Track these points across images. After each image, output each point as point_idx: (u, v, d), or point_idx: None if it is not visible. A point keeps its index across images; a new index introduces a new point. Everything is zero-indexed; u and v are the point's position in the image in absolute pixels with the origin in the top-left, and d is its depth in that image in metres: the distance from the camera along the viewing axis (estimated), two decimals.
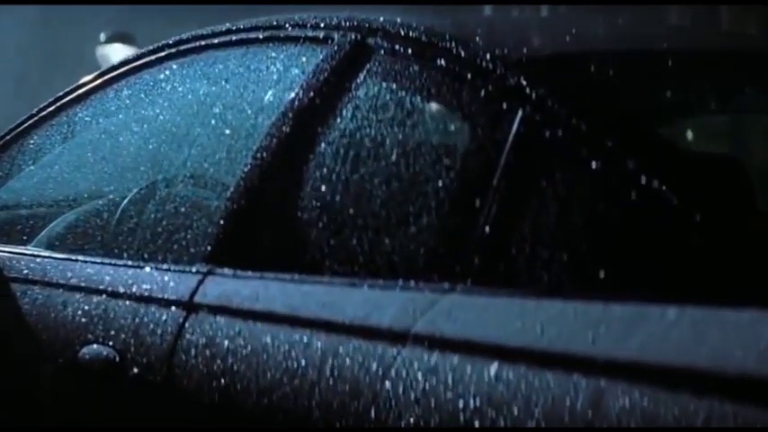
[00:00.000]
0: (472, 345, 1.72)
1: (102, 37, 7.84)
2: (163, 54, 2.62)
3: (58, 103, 2.76)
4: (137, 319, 2.24)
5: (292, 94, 2.24)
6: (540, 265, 1.79)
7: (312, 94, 2.22)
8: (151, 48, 2.65)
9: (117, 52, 7.55)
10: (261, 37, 2.44)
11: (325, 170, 2.12)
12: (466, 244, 1.86)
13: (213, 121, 2.41)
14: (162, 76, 2.60)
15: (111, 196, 2.68)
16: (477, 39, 2.06)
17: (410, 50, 2.12)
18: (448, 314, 1.78)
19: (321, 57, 2.26)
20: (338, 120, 2.16)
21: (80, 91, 2.73)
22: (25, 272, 2.54)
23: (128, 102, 2.65)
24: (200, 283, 2.18)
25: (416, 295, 1.84)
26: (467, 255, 1.85)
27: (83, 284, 2.40)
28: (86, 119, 2.72)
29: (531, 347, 1.64)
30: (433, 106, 2.06)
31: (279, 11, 2.54)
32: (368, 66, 2.18)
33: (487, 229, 1.84)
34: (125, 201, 2.62)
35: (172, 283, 2.22)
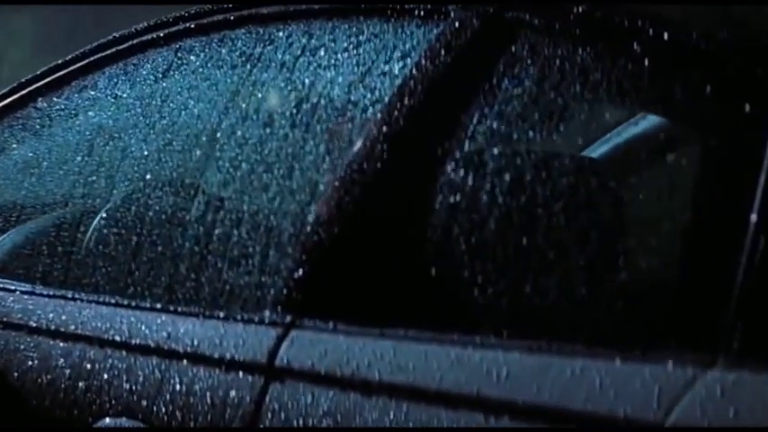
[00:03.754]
0: None
1: None
2: (176, 29, 2.02)
3: (25, 91, 2.13)
4: (183, 387, 1.64)
5: (397, 84, 1.68)
6: None
7: (425, 84, 1.66)
8: (156, 22, 2.05)
9: None
10: (328, 7, 1.86)
11: (467, 188, 1.56)
12: (720, 299, 1.33)
13: (268, 117, 1.81)
14: (179, 56, 1.99)
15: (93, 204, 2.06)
16: (682, 17, 1.54)
17: (578, 31, 1.58)
18: (719, 398, 1.25)
19: (434, 35, 1.70)
20: (474, 120, 1.61)
21: (56, 75, 2.11)
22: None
23: (127, 88, 2.03)
24: (282, 339, 1.60)
25: (658, 371, 1.30)
26: (723, 315, 1.32)
27: (88, 333, 1.79)
28: (67, 110, 2.09)
29: None
30: (624, 107, 1.53)
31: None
32: (511, 49, 1.63)
33: (754, 278, 1.32)
34: (102, 211, 2.01)
35: (237, 338, 1.63)
